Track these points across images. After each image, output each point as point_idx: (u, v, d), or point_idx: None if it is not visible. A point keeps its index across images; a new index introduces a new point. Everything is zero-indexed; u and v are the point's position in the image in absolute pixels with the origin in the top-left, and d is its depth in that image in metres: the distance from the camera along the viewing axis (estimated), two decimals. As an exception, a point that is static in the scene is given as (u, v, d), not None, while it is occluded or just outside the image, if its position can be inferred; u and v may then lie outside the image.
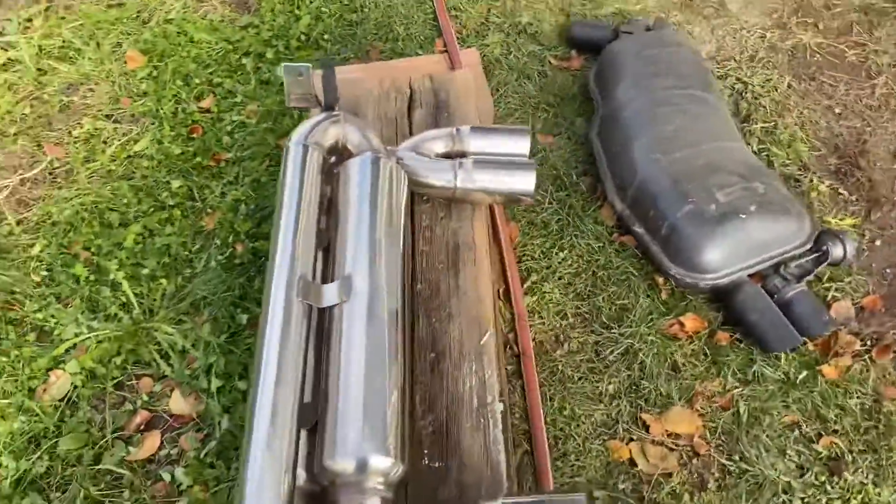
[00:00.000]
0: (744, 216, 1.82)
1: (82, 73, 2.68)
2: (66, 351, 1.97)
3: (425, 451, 1.35)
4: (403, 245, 1.43)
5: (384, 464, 1.15)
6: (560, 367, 1.89)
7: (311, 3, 2.80)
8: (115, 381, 1.93)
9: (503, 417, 1.47)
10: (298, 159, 1.48)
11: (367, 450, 1.15)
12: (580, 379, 1.86)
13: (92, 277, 2.10)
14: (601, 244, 2.08)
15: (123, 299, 2.05)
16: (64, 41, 2.76)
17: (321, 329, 1.33)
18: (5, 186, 2.39)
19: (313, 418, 1.22)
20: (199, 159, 2.39)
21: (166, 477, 1.77)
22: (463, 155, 1.66)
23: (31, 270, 2.15)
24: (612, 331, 1.93)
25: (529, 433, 1.77)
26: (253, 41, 2.71)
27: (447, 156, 1.67)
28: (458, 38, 2.61)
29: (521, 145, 1.67)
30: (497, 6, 2.74)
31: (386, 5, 2.77)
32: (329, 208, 1.51)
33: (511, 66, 2.55)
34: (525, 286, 2.02)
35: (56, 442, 1.82)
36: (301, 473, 1.18)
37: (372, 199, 1.43)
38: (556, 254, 2.07)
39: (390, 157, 1.59)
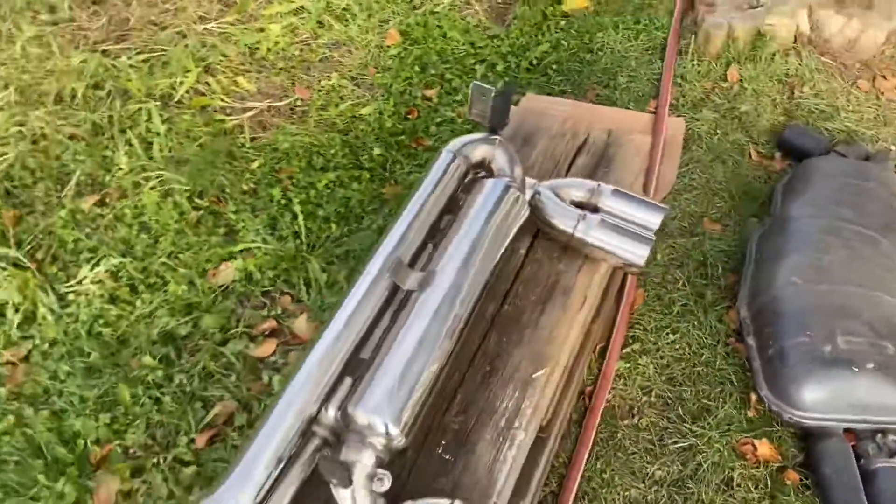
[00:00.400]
0: (856, 370, 1.75)
1: (348, 35, 3.12)
2: (240, 251, 2.38)
3: (443, 441, 1.53)
4: (496, 267, 1.59)
5: (392, 431, 1.33)
6: (620, 436, 1.94)
7: (554, 33, 3.00)
8: (264, 290, 2.31)
9: (529, 447, 1.60)
10: (444, 164, 1.70)
11: (383, 413, 1.34)
12: (633, 454, 1.91)
13: (283, 202, 2.50)
14: (714, 343, 2.08)
15: (297, 228, 2.41)
16: (346, 5, 3.21)
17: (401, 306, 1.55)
18: (255, 108, 2.88)
19: (361, 372, 1.44)
20: (403, 138, 2.71)
21: (265, 379, 2.10)
22: (595, 209, 1.78)
23: (243, 180, 2.60)
24: (685, 424, 1.94)
25: (563, 479, 1.87)
26: (492, 52, 2.98)
27: (581, 205, 1.79)
28: (672, 104, 2.68)
29: (652, 219, 1.74)
30: (724, 87, 2.75)
31: (620, 55, 2.90)
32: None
33: (710, 147, 2.57)
34: (624, 351, 2.09)
35: (202, 316, 2.22)
36: (332, 411, 1.41)
37: (487, 218, 1.60)
38: (668, 335, 2.11)
39: (525, 189, 1.75)
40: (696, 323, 2.12)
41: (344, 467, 1.28)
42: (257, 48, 3.08)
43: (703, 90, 2.75)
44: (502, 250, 1.62)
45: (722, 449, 1.88)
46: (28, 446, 1.93)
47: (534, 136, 2.10)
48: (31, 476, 1.86)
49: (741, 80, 2.75)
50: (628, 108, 2.66)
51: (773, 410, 1.85)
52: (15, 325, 2.20)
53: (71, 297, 2.29)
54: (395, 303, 1.54)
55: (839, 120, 2.63)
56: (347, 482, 1.28)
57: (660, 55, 2.87)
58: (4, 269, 2.30)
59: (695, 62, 2.83)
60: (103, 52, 3.01)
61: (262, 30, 3.13)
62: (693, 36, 2.84)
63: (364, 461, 1.32)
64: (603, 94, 2.78)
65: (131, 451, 1.97)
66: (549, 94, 2.75)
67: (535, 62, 2.93)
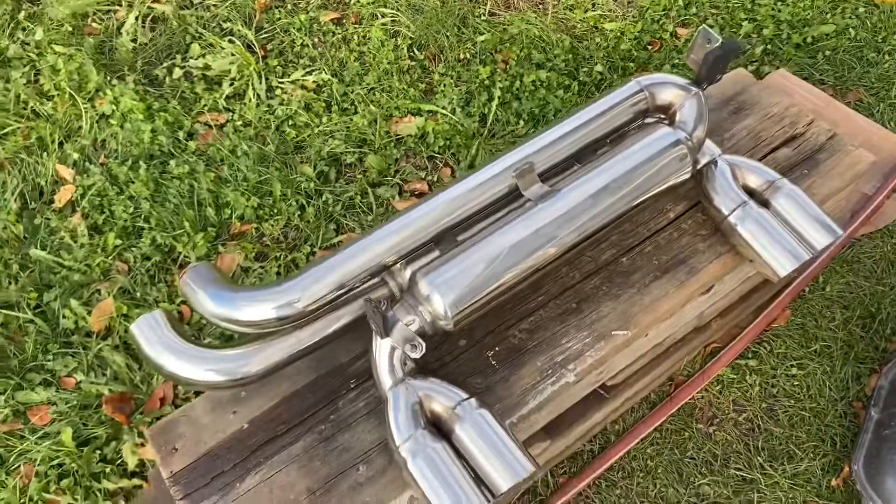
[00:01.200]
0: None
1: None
2: (428, 111, 2.46)
3: (496, 348, 1.54)
4: (626, 214, 1.51)
5: (447, 311, 1.36)
6: (686, 436, 1.84)
7: (847, 17, 2.65)
8: (430, 155, 2.38)
9: (578, 396, 1.57)
10: (627, 92, 1.61)
11: (445, 293, 1.37)
12: (690, 459, 1.81)
13: (486, 83, 2.51)
14: (836, 398, 1.86)
15: (486, 111, 2.44)
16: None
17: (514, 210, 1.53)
18: (509, -13, 2.87)
19: (448, 249, 1.47)
20: (632, 65, 2.58)
21: (395, 230, 2.20)
22: (765, 203, 1.61)
23: (463, 48, 2.64)
24: (759, 457, 1.79)
25: (600, 452, 1.82)
26: (768, 13, 2.70)
27: (752, 192, 1.63)
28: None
29: (819, 238, 1.55)
30: None
31: (911, 67, 2.51)
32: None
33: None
34: (736, 360, 1.93)
35: (369, 154, 2.35)
36: (408, 271, 1.46)
37: (641, 162, 1.51)
38: (792, 368, 1.92)
39: (702, 153, 1.63)
40: (828, 369, 1.90)
41: (386, 319, 1.34)
42: (537, -70, 3.02)
43: None
44: (641, 201, 1.53)
45: (783, 499, 1.72)
46: (188, 196, 2.20)
47: (748, 109, 1.92)
48: (180, 220, 2.13)
49: None
50: (884, 128, 2.32)
51: (857, 490, 1.65)
52: (224, 96, 2.47)
53: (278, 91, 2.52)
54: (512, 205, 1.53)
55: None
56: (384, 333, 1.35)
57: (956, 83, 2.45)
58: (237, 45, 2.56)
59: None
60: None
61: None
62: None
63: (407, 324, 1.37)
64: (865, 103, 2.44)
65: (264, 239, 2.18)
66: (805, 80, 2.46)
67: (809, 40, 2.61)
